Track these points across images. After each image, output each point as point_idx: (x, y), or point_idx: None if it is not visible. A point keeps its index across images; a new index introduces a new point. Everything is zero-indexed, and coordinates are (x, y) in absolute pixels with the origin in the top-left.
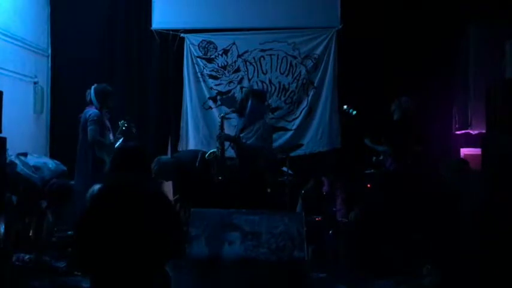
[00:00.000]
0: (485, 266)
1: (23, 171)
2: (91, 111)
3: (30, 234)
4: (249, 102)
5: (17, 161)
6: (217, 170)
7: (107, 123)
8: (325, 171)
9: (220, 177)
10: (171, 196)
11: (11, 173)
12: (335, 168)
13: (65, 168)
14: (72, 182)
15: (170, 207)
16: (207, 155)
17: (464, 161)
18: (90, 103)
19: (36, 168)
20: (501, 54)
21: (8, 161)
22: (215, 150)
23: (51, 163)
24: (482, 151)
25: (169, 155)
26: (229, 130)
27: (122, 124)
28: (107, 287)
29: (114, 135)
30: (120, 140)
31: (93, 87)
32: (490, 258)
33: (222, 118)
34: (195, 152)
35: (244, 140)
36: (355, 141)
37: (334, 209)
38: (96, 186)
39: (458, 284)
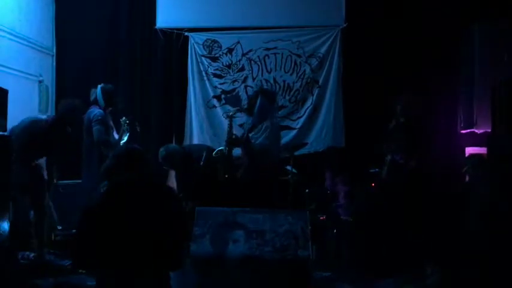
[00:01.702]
0: (489, 266)
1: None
2: (95, 111)
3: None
4: (258, 100)
5: None
6: (223, 168)
7: (111, 123)
8: (327, 167)
9: (226, 176)
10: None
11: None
12: (337, 163)
13: None
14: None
15: (180, 205)
16: (214, 152)
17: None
18: (94, 102)
19: None
20: (507, 52)
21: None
22: (222, 148)
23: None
24: (487, 150)
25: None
26: (234, 129)
27: (124, 121)
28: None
29: (118, 134)
30: (127, 135)
31: (100, 86)
32: (495, 258)
33: (231, 118)
34: (203, 148)
35: (252, 140)
36: (360, 140)
37: (337, 203)
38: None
39: (461, 284)
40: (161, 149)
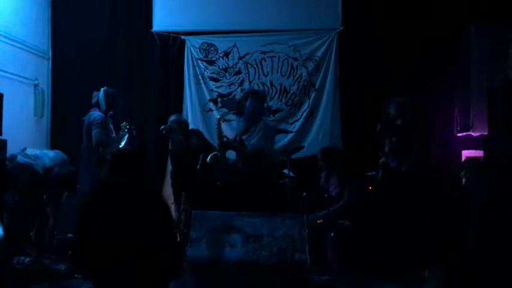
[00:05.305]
0: (488, 268)
1: (23, 160)
2: (96, 114)
3: (31, 234)
4: (248, 102)
5: (16, 154)
6: (218, 173)
7: (111, 126)
8: (323, 166)
9: (219, 182)
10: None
11: (12, 166)
12: (332, 162)
13: (65, 156)
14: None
15: (167, 211)
16: (208, 158)
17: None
18: (96, 105)
19: (36, 157)
20: (504, 55)
21: (8, 155)
22: (216, 153)
23: (50, 153)
24: (484, 153)
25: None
26: (229, 132)
27: (124, 126)
28: None
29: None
30: (126, 138)
31: (102, 89)
32: (493, 259)
33: (219, 120)
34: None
35: (246, 143)
36: (357, 143)
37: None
38: None
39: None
40: (177, 114)
